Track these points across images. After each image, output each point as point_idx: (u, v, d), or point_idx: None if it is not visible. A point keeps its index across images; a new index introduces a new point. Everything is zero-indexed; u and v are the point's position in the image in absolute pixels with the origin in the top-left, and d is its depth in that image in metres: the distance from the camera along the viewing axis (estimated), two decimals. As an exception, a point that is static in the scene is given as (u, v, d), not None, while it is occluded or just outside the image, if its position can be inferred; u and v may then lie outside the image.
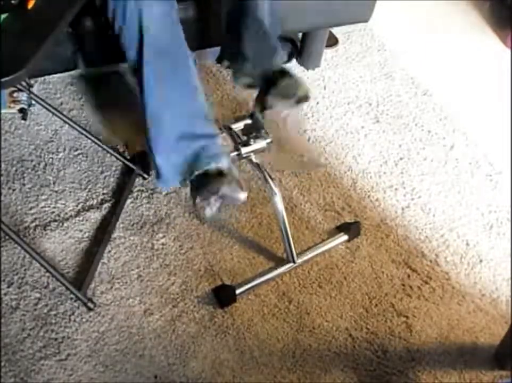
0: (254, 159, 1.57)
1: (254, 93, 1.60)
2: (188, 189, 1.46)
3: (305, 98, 1.54)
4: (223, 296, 1.51)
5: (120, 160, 1.76)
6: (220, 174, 1.39)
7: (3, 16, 1.11)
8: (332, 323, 1.51)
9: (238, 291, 1.51)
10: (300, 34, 2.15)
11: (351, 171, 1.87)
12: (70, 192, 1.69)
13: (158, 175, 1.45)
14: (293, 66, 2.16)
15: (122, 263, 1.56)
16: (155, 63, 1.35)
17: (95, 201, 1.68)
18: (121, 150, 1.82)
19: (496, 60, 2.43)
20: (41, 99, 1.72)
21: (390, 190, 1.84)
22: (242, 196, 1.38)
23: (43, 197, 1.67)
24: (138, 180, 1.74)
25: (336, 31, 2.31)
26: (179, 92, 1.39)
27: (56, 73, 1.77)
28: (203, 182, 1.39)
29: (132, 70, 1.40)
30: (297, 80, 1.54)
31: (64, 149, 1.80)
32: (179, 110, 1.40)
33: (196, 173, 1.40)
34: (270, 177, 1.56)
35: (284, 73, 1.53)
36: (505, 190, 1.89)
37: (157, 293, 1.51)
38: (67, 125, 1.78)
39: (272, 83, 1.51)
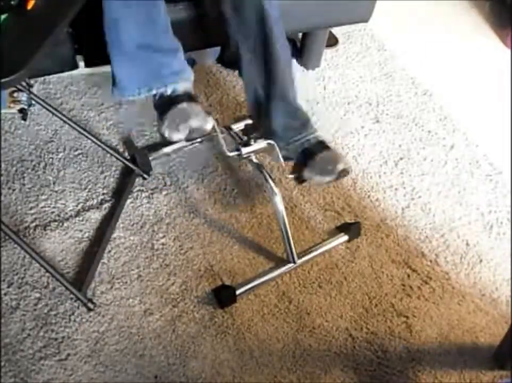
0: (254, 160, 1.57)
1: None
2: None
3: (345, 172, 1.50)
4: (223, 296, 1.51)
5: (120, 160, 1.76)
6: (187, 97, 1.39)
7: (3, 16, 1.11)
8: (332, 323, 1.51)
9: (238, 292, 1.51)
10: (300, 34, 2.15)
11: (350, 171, 1.87)
12: (70, 192, 1.69)
13: (114, 83, 1.43)
14: (293, 66, 2.16)
15: (122, 263, 1.56)
16: None
17: (95, 201, 1.68)
18: (121, 150, 1.82)
19: (496, 60, 2.43)
20: (41, 99, 1.72)
21: (390, 190, 1.84)
22: (210, 126, 1.39)
23: (43, 197, 1.67)
24: (138, 180, 1.74)
25: (336, 31, 2.31)
26: (143, 4, 1.36)
27: (56, 73, 1.77)
28: (171, 103, 1.38)
29: None
30: (337, 153, 1.51)
31: (64, 149, 1.80)
32: (141, 18, 1.37)
33: (154, 91, 1.40)
34: (270, 177, 1.56)
35: (323, 146, 1.50)
36: (505, 190, 1.89)
37: (157, 293, 1.51)
38: (67, 125, 1.78)
39: (310, 155, 1.48)
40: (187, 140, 1.45)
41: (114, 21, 1.35)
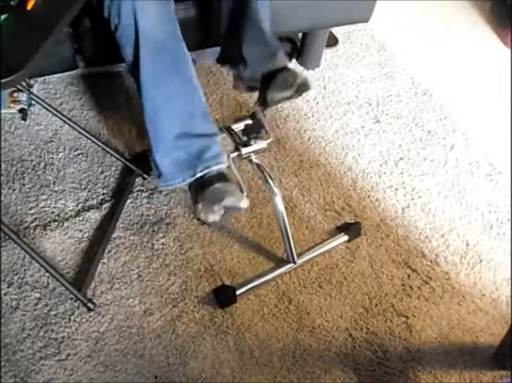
0: (254, 160, 1.57)
1: (255, 94, 1.61)
2: (188, 190, 1.46)
3: (305, 86, 1.54)
4: (223, 296, 1.51)
5: (120, 161, 1.76)
6: (221, 177, 1.39)
7: (3, 16, 1.11)
8: (332, 323, 1.51)
9: (238, 292, 1.51)
10: (300, 34, 2.15)
11: (351, 171, 1.87)
12: (70, 192, 1.69)
13: (159, 175, 1.45)
14: (293, 66, 2.16)
15: (122, 263, 1.56)
16: (152, 62, 1.35)
17: (95, 201, 1.68)
18: (121, 150, 1.82)
19: (496, 60, 2.43)
20: (41, 99, 1.72)
21: (390, 190, 1.84)
22: (245, 205, 1.39)
23: (43, 197, 1.67)
24: (138, 180, 1.74)
25: (336, 31, 2.31)
26: (177, 91, 1.39)
27: (56, 73, 1.77)
28: (204, 185, 1.38)
29: (129, 69, 1.40)
30: (294, 70, 1.54)
31: (64, 149, 1.80)
32: (177, 109, 1.40)
33: (197, 175, 1.40)
34: (270, 177, 1.56)
35: (282, 68, 1.54)
36: (505, 190, 1.89)
37: (157, 293, 1.51)
38: (67, 125, 1.78)
39: (272, 75, 1.52)
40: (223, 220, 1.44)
41: (154, 116, 1.38)
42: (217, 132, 1.46)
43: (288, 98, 1.55)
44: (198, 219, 1.53)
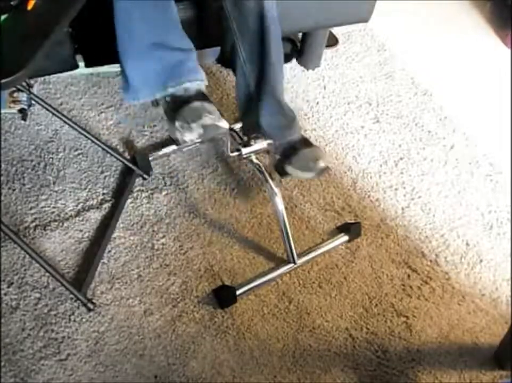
0: (254, 160, 1.57)
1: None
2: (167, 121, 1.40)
3: (325, 171, 1.51)
4: (223, 296, 1.51)
5: (120, 161, 1.76)
6: (200, 96, 1.36)
7: (3, 16, 1.11)
8: (332, 323, 1.51)
9: (238, 292, 1.51)
10: (300, 34, 2.15)
11: (351, 171, 1.87)
12: (70, 192, 1.69)
13: (126, 86, 1.39)
14: (293, 66, 2.16)
15: (122, 263, 1.56)
16: None
17: (95, 201, 1.68)
18: (121, 150, 1.82)
19: (496, 60, 2.43)
20: (41, 99, 1.71)
21: (390, 190, 1.84)
22: (225, 125, 1.36)
23: (43, 197, 1.67)
24: (138, 180, 1.74)
25: (336, 31, 2.31)
26: (154, 1, 1.33)
27: (56, 73, 1.77)
28: (183, 103, 1.34)
29: None
30: (318, 150, 1.51)
31: (64, 149, 1.80)
32: (151, 16, 1.33)
33: (169, 89, 1.36)
34: (271, 177, 1.56)
35: (305, 143, 1.52)
36: (505, 190, 1.90)
37: (157, 293, 1.51)
38: (67, 125, 1.78)
39: (292, 151, 1.49)
40: (200, 140, 1.39)
41: (127, 21, 1.32)
42: (192, 47, 1.40)
43: (308, 179, 1.56)
44: (174, 140, 1.45)
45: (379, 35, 2.37)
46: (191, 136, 1.34)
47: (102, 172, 1.76)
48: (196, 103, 1.34)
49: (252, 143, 1.53)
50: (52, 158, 1.77)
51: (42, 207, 1.65)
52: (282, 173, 1.53)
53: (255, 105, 1.50)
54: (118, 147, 1.83)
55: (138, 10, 1.32)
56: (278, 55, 1.48)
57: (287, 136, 1.52)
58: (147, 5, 1.33)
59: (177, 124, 1.33)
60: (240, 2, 1.41)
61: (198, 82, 1.38)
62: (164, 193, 1.72)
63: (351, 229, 1.68)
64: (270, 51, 1.44)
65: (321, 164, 1.47)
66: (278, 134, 1.52)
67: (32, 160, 1.75)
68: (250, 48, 1.45)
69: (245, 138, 1.56)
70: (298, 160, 1.48)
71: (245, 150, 1.53)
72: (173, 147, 1.81)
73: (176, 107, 1.36)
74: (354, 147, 1.95)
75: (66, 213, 1.64)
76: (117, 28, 1.34)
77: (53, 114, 1.74)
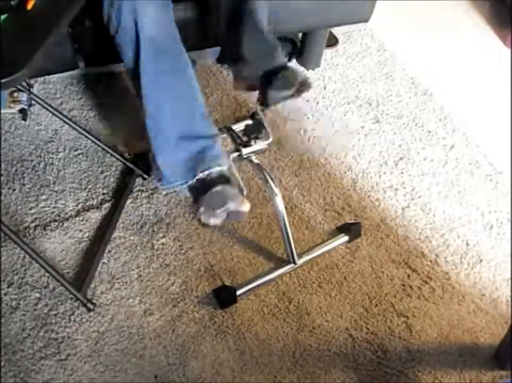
0: (254, 160, 1.57)
1: (255, 94, 1.61)
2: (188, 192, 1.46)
3: (306, 85, 1.55)
4: (224, 297, 1.51)
5: (120, 161, 1.76)
6: (222, 179, 1.39)
7: (3, 16, 1.11)
8: (332, 323, 1.51)
9: (238, 292, 1.51)
10: (300, 34, 2.15)
11: (351, 171, 1.87)
12: (70, 192, 1.69)
13: (160, 177, 1.45)
14: (293, 66, 2.16)
15: (122, 263, 1.56)
16: (152, 64, 1.35)
17: (95, 201, 1.68)
18: (121, 150, 1.82)
19: (496, 60, 2.43)
20: (41, 99, 1.72)
21: (390, 190, 1.84)
22: (246, 208, 1.39)
23: (43, 197, 1.67)
24: (138, 180, 1.74)
25: (336, 31, 2.31)
26: (178, 93, 1.39)
27: (56, 73, 1.77)
28: (205, 187, 1.38)
29: (129, 71, 1.40)
30: (295, 69, 1.55)
31: (64, 149, 1.80)
32: (178, 110, 1.40)
33: (198, 176, 1.39)
34: (271, 177, 1.56)
35: (281, 67, 1.54)
36: (505, 190, 1.89)
37: (157, 293, 1.51)
38: (67, 125, 1.78)
39: (272, 79, 1.52)
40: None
41: (155, 118, 1.39)
42: (218, 133, 1.46)
43: (289, 97, 1.55)
44: (199, 221, 1.53)
45: (379, 35, 2.37)
46: (215, 221, 1.37)
47: (102, 172, 1.75)
48: (219, 188, 1.36)
49: (252, 143, 1.53)
50: (52, 158, 1.77)
51: (42, 207, 1.65)
52: (266, 102, 1.55)
53: (236, 31, 1.50)
54: (118, 147, 1.83)
55: (168, 104, 1.38)
56: None
57: (269, 65, 1.53)
58: (175, 97, 1.38)
59: (201, 209, 1.36)
60: None
61: (223, 167, 1.42)
62: (164, 193, 1.72)
63: (351, 229, 1.68)
64: None
65: (300, 78, 1.52)
66: (259, 62, 1.53)
67: (32, 160, 1.75)
68: None
69: (245, 138, 1.56)
70: (276, 80, 1.50)
71: (245, 150, 1.53)
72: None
73: (199, 191, 1.39)
74: (354, 147, 1.95)
75: (66, 213, 1.64)
76: (147, 122, 1.40)
77: (53, 114, 1.74)
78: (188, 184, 1.42)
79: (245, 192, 1.42)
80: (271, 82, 1.52)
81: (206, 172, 1.39)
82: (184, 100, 1.41)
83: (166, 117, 1.39)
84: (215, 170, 1.40)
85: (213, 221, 1.37)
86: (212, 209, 1.35)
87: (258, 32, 1.51)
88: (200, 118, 1.43)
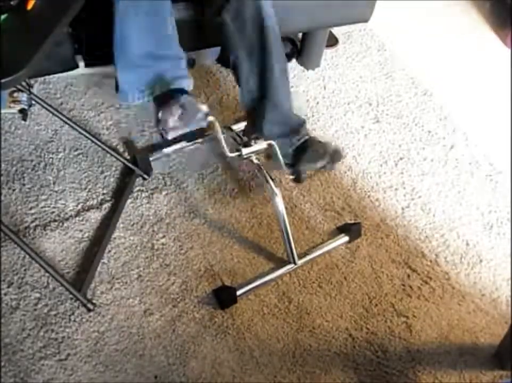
0: (254, 160, 1.57)
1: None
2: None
3: (338, 155, 1.56)
4: (224, 297, 1.51)
5: (120, 161, 1.76)
6: (183, 91, 1.41)
7: (3, 16, 1.11)
8: (332, 323, 1.51)
9: (238, 293, 1.51)
10: (300, 34, 2.15)
11: (351, 171, 1.87)
12: (70, 192, 1.69)
13: (117, 89, 1.47)
14: (293, 66, 2.16)
15: (122, 263, 1.56)
16: None
17: (95, 201, 1.68)
18: (121, 150, 1.82)
19: (496, 60, 2.43)
20: (41, 99, 1.71)
21: (390, 190, 1.84)
22: (203, 106, 1.40)
23: (43, 197, 1.67)
24: (138, 180, 1.74)
25: (336, 31, 2.31)
26: (148, 14, 1.38)
27: (56, 73, 1.77)
28: (165, 99, 1.40)
29: None
30: (325, 141, 1.56)
31: (64, 149, 1.80)
32: (145, 31, 1.39)
33: (156, 93, 1.42)
34: (270, 177, 1.56)
35: (312, 140, 1.55)
36: (505, 190, 1.89)
37: (157, 293, 1.51)
38: (67, 125, 1.78)
39: (302, 150, 1.53)
40: (184, 132, 1.43)
41: (124, 33, 1.38)
42: (183, 56, 1.46)
43: (322, 168, 1.57)
44: (161, 134, 1.47)
45: (379, 35, 2.37)
46: (173, 121, 1.38)
47: (102, 172, 1.75)
48: (180, 97, 1.39)
49: (252, 143, 1.53)
50: (52, 158, 1.77)
51: (42, 207, 1.65)
52: (297, 175, 1.56)
53: (259, 115, 1.52)
54: (118, 147, 1.83)
55: (136, 23, 1.38)
56: (281, 65, 1.50)
57: (295, 143, 1.54)
58: (142, 16, 1.37)
59: (160, 113, 1.39)
60: (240, 14, 1.44)
61: (184, 87, 1.44)
62: (164, 193, 1.72)
63: (352, 230, 1.68)
64: (271, 62, 1.47)
65: (331, 148, 1.52)
66: (284, 142, 1.54)
67: (32, 160, 1.75)
68: (251, 59, 1.48)
69: (245, 138, 1.56)
70: (307, 154, 1.52)
71: (245, 151, 1.53)
72: (173, 147, 1.81)
73: (160, 104, 1.42)
74: (354, 147, 1.95)
75: (66, 213, 1.64)
76: (114, 35, 1.39)
77: (53, 114, 1.74)
78: (145, 100, 1.45)
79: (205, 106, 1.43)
80: (301, 154, 1.53)
81: (164, 90, 1.41)
82: (155, 22, 1.40)
83: (134, 35, 1.39)
84: (176, 86, 1.42)
85: (172, 121, 1.38)
86: (168, 110, 1.37)
87: (281, 114, 1.53)
88: (167, 39, 1.43)
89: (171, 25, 1.43)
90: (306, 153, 1.52)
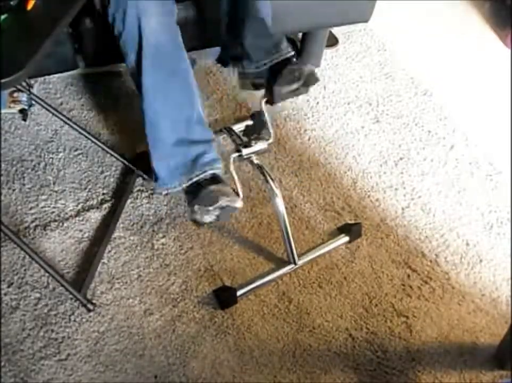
0: (255, 161, 1.57)
1: (257, 92, 1.61)
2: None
3: (313, 78, 1.55)
4: (224, 297, 1.51)
5: (120, 161, 1.76)
6: (215, 180, 1.45)
7: (3, 16, 1.11)
8: (332, 323, 1.51)
9: (239, 293, 1.51)
10: (300, 34, 2.15)
11: (351, 171, 1.87)
12: (70, 192, 1.69)
13: (156, 179, 1.51)
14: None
15: (122, 263, 1.56)
16: (154, 69, 1.37)
17: (95, 201, 1.68)
18: (121, 150, 1.82)
19: (496, 60, 2.43)
20: (41, 99, 1.72)
21: (390, 190, 1.84)
22: (239, 204, 1.43)
23: (43, 197, 1.67)
24: (138, 180, 1.74)
25: (336, 31, 2.31)
26: (177, 99, 1.42)
27: (56, 73, 1.77)
28: (200, 189, 1.43)
29: (131, 71, 1.41)
30: (301, 63, 1.55)
31: (64, 149, 1.80)
32: (176, 116, 1.43)
33: (193, 179, 1.45)
34: (271, 177, 1.56)
35: (287, 61, 1.54)
36: (505, 190, 1.90)
37: (157, 293, 1.51)
38: (67, 125, 1.78)
39: (278, 70, 1.52)
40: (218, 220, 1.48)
41: (154, 123, 1.43)
42: (213, 138, 1.49)
43: (296, 92, 1.56)
44: (194, 221, 1.57)
45: (379, 35, 2.37)
46: (209, 218, 1.43)
47: (102, 172, 1.75)
48: (212, 187, 1.43)
49: (253, 144, 1.53)
50: (52, 158, 1.77)
51: (42, 207, 1.65)
52: (273, 98, 1.55)
53: (239, 27, 1.51)
54: (118, 147, 1.83)
55: (167, 112, 1.42)
56: None
57: (274, 58, 1.54)
58: (174, 102, 1.42)
59: (196, 207, 1.42)
60: None
61: (216, 171, 1.47)
62: (164, 193, 1.72)
63: (352, 230, 1.68)
64: None
65: (306, 70, 1.52)
66: (265, 57, 1.53)
67: (32, 160, 1.75)
68: None
69: (245, 139, 1.56)
70: (282, 76, 1.51)
71: (245, 151, 1.53)
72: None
73: (193, 191, 1.45)
74: (354, 147, 1.95)
75: (66, 213, 1.64)
76: (146, 129, 1.45)
77: (53, 114, 1.74)
78: (182, 187, 1.47)
79: (241, 193, 1.45)
80: (276, 77, 1.52)
81: (201, 176, 1.45)
82: (183, 107, 1.44)
83: (164, 123, 1.43)
84: (209, 173, 1.45)
85: (207, 219, 1.42)
86: (204, 207, 1.40)
87: (262, 26, 1.51)
88: (197, 123, 1.46)
89: (198, 104, 1.45)
90: (281, 73, 1.51)
